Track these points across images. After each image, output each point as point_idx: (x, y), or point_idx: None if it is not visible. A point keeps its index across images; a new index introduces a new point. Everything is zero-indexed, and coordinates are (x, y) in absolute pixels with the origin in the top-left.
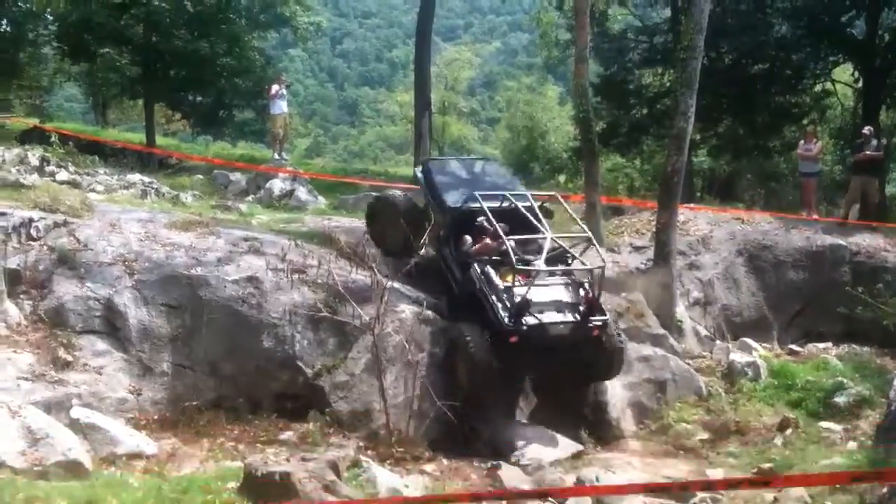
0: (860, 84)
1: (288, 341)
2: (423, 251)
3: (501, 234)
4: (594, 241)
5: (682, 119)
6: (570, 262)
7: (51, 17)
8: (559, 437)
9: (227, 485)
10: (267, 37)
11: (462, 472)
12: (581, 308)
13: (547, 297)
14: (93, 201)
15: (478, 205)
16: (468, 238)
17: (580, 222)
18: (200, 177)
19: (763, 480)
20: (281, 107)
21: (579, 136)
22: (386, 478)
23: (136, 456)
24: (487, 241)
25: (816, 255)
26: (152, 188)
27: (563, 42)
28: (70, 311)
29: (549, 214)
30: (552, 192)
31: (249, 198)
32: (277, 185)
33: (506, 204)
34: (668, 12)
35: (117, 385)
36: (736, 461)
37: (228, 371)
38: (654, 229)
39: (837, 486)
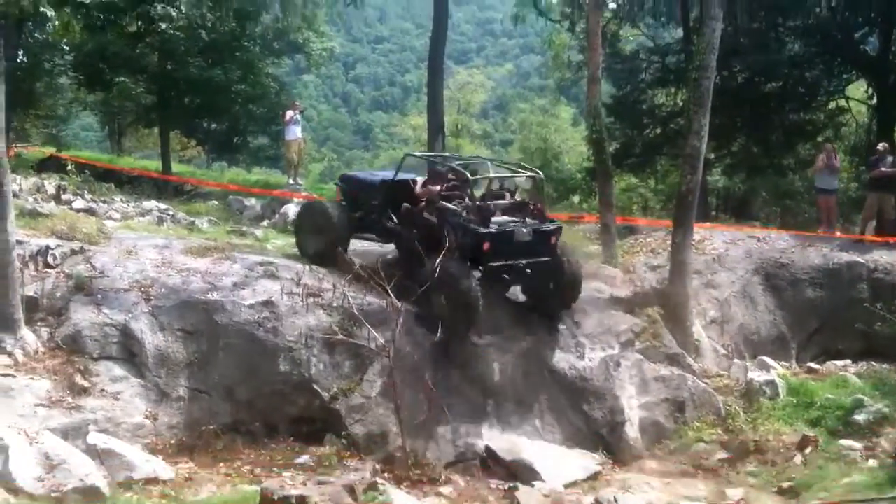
0: (874, 101)
1: (304, 365)
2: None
3: (444, 170)
4: (538, 176)
5: (695, 138)
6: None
7: (67, 48)
8: (576, 457)
9: None
10: (281, 63)
11: (479, 494)
12: (533, 218)
13: (503, 216)
14: (109, 228)
15: (406, 176)
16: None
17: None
18: (216, 203)
19: None
20: (295, 132)
21: (593, 156)
22: (402, 500)
23: (153, 481)
24: (429, 186)
25: (834, 272)
26: (168, 215)
27: (576, 63)
28: (87, 338)
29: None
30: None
31: (265, 223)
32: (292, 209)
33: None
34: (680, 32)
35: (134, 410)
36: (756, 480)
37: (244, 395)
38: (669, 248)
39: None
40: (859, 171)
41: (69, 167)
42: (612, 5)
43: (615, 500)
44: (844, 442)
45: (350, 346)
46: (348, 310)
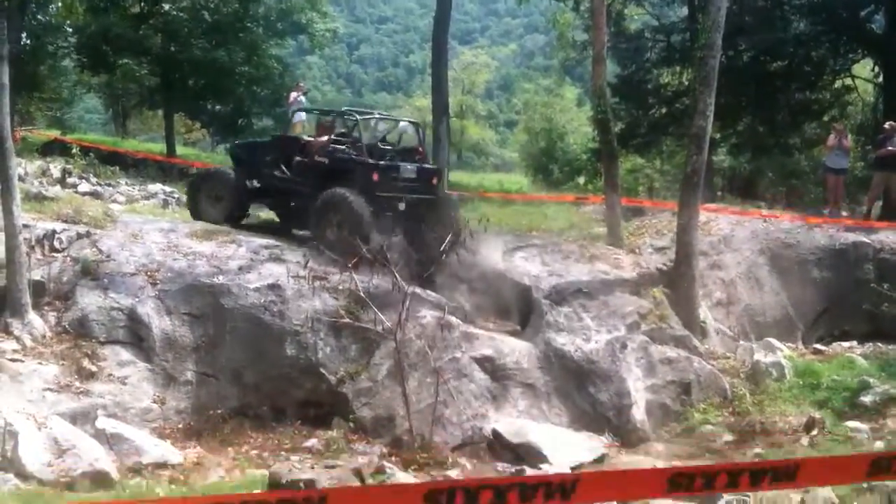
0: (881, 79)
1: (310, 348)
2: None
3: (330, 121)
4: (419, 127)
5: (701, 118)
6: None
7: (70, 30)
8: (583, 440)
9: None
10: (284, 44)
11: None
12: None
13: (392, 158)
14: (115, 212)
15: (294, 134)
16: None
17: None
18: None
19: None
20: (300, 116)
21: (598, 137)
22: None
23: (162, 465)
24: (318, 138)
25: (840, 252)
26: (173, 198)
27: (580, 43)
28: (94, 322)
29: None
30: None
31: None
32: None
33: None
34: (685, 11)
35: (142, 395)
36: None
37: (251, 379)
38: (675, 230)
39: (865, 485)
40: (865, 150)
41: (74, 150)
42: None
43: None
44: (851, 423)
45: (357, 330)
46: (355, 292)
